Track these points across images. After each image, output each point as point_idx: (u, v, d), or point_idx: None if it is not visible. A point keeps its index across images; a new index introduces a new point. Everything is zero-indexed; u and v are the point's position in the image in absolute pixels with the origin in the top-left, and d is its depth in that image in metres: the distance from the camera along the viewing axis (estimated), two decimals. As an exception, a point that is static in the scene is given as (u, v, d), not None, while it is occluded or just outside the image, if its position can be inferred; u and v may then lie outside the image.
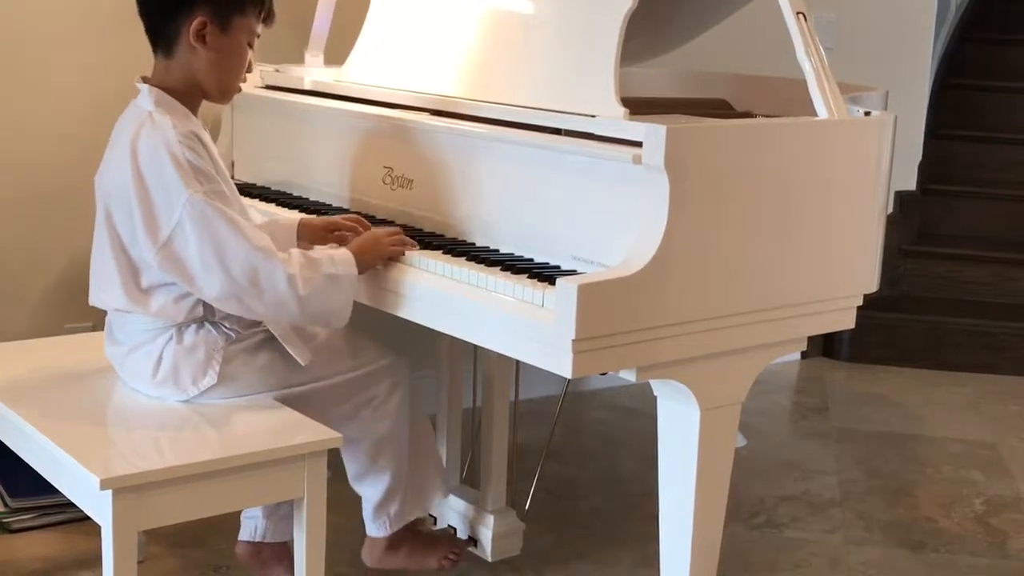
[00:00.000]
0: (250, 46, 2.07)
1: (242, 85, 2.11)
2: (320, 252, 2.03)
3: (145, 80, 2.04)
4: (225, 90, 2.08)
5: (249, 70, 2.09)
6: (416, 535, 2.39)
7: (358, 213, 2.27)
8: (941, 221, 4.68)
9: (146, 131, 1.95)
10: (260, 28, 2.08)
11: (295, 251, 1.99)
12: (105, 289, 2.05)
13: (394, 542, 2.32)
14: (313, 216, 2.26)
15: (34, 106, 2.80)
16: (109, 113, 2.11)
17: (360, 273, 2.02)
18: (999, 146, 4.83)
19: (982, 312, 4.36)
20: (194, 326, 2.04)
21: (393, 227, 2.15)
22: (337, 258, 2.00)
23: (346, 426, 2.14)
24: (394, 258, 2.05)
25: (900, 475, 3.26)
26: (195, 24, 1.99)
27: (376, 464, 2.24)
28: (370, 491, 2.28)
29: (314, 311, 1.98)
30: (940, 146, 4.73)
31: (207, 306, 2.03)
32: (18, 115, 2.79)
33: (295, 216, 2.22)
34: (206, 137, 2.03)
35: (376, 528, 2.31)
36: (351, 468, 2.26)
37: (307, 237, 2.17)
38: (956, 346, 4.24)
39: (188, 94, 2.04)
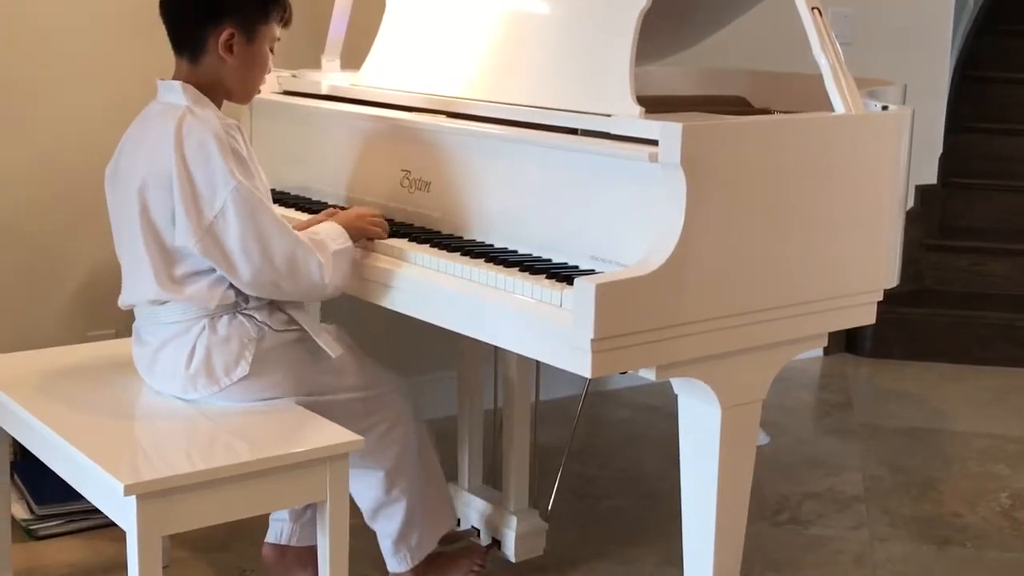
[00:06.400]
0: (271, 50, 2.14)
1: (261, 86, 2.19)
2: (318, 231, 2.10)
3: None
4: (248, 93, 2.17)
5: (268, 71, 2.16)
6: (438, 556, 2.36)
7: (336, 207, 2.35)
8: (963, 214, 4.65)
9: (190, 122, 2.00)
10: (280, 32, 2.14)
11: (303, 236, 2.07)
12: (137, 283, 2.08)
13: (418, 573, 2.31)
14: (297, 222, 2.29)
15: (56, 113, 2.82)
16: (131, 119, 2.14)
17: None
18: (1020, 138, 4.79)
19: (1006, 305, 4.33)
20: (226, 317, 2.06)
21: (374, 210, 2.23)
22: (334, 233, 2.11)
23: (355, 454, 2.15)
24: (371, 238, 2.15)
25: (925, 471, 3.24)
26: (223, 36, 2.05)
27: (390, 495, 2.23)
28: (387, 525, 2.26)
29: (329, 291, 2.09)
30: (960, 139, 4.70)
31: (239, 293, 2.06)
32: (39, 123, 2.81)
33: None
34: (243, 131, 2.09)
35: (397, 563, 2.29)
36: (365, 504, 2.25)
37: None
38: (980, 340, 4.21)
39: (214, 93, 2.10)
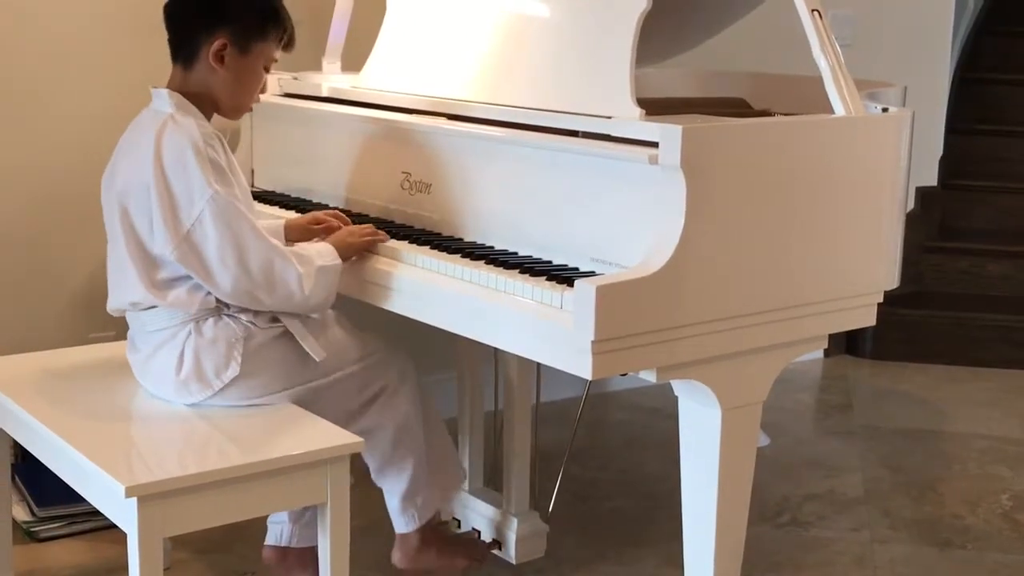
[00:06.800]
0: (266, 70, 2.15)
1: (253, 104, 2.20)
2: (306, 248, 2.11)
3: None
4: (236, 108, 2.17)
5: (263, 91, 2.17)
6: (444, 535, 2.40)
7: (342, 210, 2.35)
8: (963, 216, 4.65)
9: (170, 130, 2.02)
10: (279, 54, 2.15)
11: (288, 249, 2.07)
12: (122, 287, 2.10)
13: (426, 537, 2.33)
14: (296, 216, 2.35)
15: (56, 114, 2.82)
16: (131, 121, 2.14)
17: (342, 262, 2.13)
18: (1020, 140, 4.80)
19: (1006, 307, 4.33)
20: (212, 320, 2.07)
21: (366, 224, 2.23)
22: (323, 251, 2.11)
23: (363, 417, 2.19)
24: (367, 249, 2.16)
25: (925, 472, 3.24)
26: (216, 45, 2.06)
27: (397, 453, 2.25)
28: (394, 483, 2.28)
29: (311, 304, 2.08)
30: (960, 141, 4.70)
31: None
32: (39, 124, 2.81)
33: (279, 221, 2.29)
34: (224, 140, 2.09)
35: (405, 522, 2.31)
36: (373, 462, 2.27)
37: (294, 236, 2.23)
38: (980, 341, 4.21)
39: (203, 104, 2.11)
